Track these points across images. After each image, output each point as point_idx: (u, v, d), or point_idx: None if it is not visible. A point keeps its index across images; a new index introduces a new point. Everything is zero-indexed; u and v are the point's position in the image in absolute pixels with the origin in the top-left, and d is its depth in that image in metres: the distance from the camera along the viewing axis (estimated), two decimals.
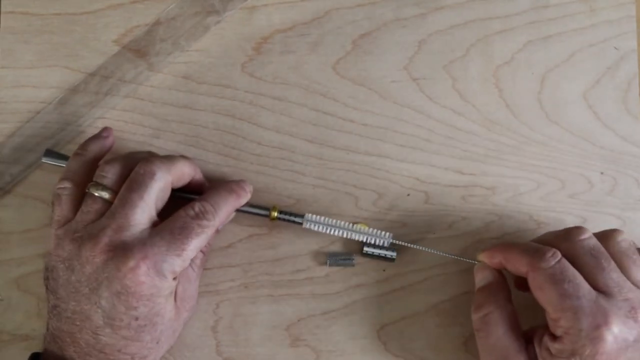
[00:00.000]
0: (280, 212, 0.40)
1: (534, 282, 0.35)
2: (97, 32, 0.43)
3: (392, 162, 0.43)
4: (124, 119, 0.43)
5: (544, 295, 0.34)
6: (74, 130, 0.42)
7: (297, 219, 0.40)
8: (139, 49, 0.43)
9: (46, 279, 0.36)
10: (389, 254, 0.41)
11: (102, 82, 0.43)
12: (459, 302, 0.41)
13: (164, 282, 0.34)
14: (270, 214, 0.40)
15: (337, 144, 0.43)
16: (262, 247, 0.42)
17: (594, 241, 0.35)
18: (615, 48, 0.44)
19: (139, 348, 0.35)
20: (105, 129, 0.41)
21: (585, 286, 0.33)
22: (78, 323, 0.34)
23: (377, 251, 0.41)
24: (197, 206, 0.36)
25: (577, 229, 0.36)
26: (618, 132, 0.43)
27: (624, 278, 0.34)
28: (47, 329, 0.36)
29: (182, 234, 0.35)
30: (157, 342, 0.36)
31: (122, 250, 0.34)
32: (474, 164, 0.43)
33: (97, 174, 0.37)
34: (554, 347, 0.34)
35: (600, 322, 0.32)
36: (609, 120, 0.43)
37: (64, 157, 0.40)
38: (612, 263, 0.34)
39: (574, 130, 0.43)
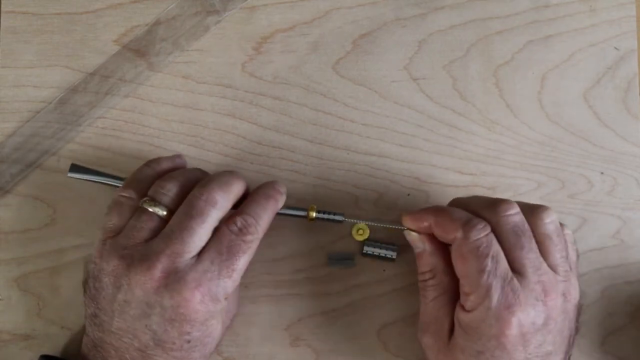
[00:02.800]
0: (319, 211, 0.40)
1: (458, 250, 0.34)
2: (97, 32, 0.43)
3: (392, 162, 0.43)
4: (124, 119, 0.43)
5: (463, 266, 0.34)
6: (74, 129, 0.42)
7: (337, 217, 0.40)
8: (139, 48, 0.43)
9: (86, 283, 0.36)
10: (389, 253, 0.41)
11: (102, 82, 0.43)
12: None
13: (217, 306, 0.34)
14: (308, 214, 0.39)
15: (338, 144, 0.43)
16: (262, 247, 0.41)
17: (520, 218, 0.35)
18: (616, 48, 0.44)
19: None
20: (178, 155, 0.41)
21: (504, 265, 0.33)
22: (125, 340, 0.34)
23: (377, 251, 0.41)
24: (239, 221, 0.35)
25: (505, 203, 0.35)
26: (618, 132, 0.43)
27: (541, 260, 0.34)
28: (87, 334, 0.36)
29: (230, 254, 0.34)
30: (205, 356, 0.36)
31: (176, 279, 0.33)
32: (474, 164, 0.43)
33: (155, 189, 0.36)
34: (463, 319, 0.34)
35: (510, 303, 0.32)
36: (609, 120, 0.43)
37: (90, 172, 0.40)
38: (533, 243, 0.34)
39: (574, 130, 0.43)
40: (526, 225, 0.35)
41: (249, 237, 0.35)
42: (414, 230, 0.38)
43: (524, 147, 0.43)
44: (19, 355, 0.41)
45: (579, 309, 0.36)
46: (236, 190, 0.36)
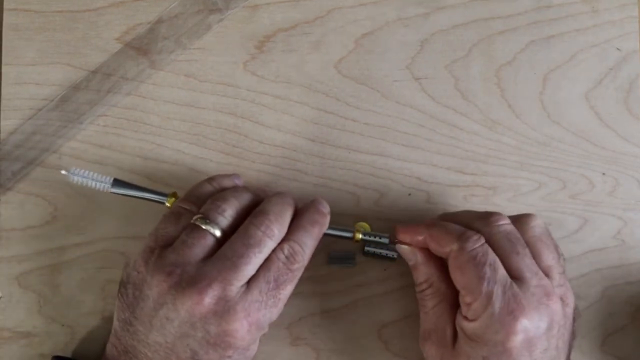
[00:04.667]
0: (365, 233, 0.39)
1: (455, 262, 0.35)
2: (100, 30, 0.43)
3: (393, 162, 0.43)
4: (125, 117, 0.43)
5: (463, 276, 0.34)
6: (76, 127, 0.42)
7: (383, 239, 0.39)
8: (141, 46, 0.43)
9: (123, 287, 0.35)
10: (390, 253, 0.41)
11: (104, 80, 0.43)
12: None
13: (262, 332, 0.34)
14: (354, 236, 0.39)
15: (339, 143, 0.43)
16: None
17: (511, 227, 0.35)
18: (618, 49, 0.44)
19: None
20: (237, 175, 0.40)
21: (502, 272, 0.34)
22: (161, 354, 0.33)
23: (378, 250, 0.41)
24: (287, 249, 0.35)
25: (495, 215, 0.36)
26: (620, 132, 0.43)
27: (537, 268, 0.34)
28: (117, 337, 0.35)
29: (277, 283, 0.34)
30: None
31: (226, 308, 0.32)
32: (475, 164, 0.43)
33: (210, 207, 0.35)
34: (467, 328, 0.34)
35: (513, 308, 0.33)
36: (611, 121, 0.43)
37: (132, 187, 0.39)
38: (527, 249, 0.35)
39: (576, 131, 0.43)
40: (517, 233, 0.35)
41: (295, 266, 0.35)
42: (406, 244, 0.38)
43: (525, 147, 0.43)
44: (20, 352, 0.41)
45: (576, 313, 0.36)
46: (289, 219, 0.36)
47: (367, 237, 0.39)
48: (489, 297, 0.33)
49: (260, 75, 0.43)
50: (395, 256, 0.41)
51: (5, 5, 0.43)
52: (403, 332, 0.41)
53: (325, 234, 0.38)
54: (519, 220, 0.36)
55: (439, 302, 0.37)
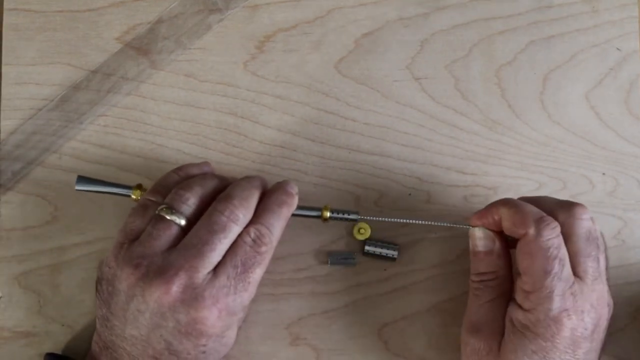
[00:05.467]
0: (333, 210, 0.39)
1: (526, 246, 0.34)
2: (100, 30, 0.43)
3: (393, 162, 0.43)
4: (125, 117, 0.43)
5: (531, 263, 0.33)
6: (76, 127, 0.42)
7: (352, 216, 0.39)
8: (142, 46, 0.43)
9: (100, 285, 0.35)
10: (390, 253, 0.41)
11: (104, 80, 0.43)
12: (459, 302, 0.41)
13: (234, 318, 0.34)
14: (322, 214, 0.39)
15: (339, 143, 0.43)
16: None
17: (591, 223, 0.35)
18: (618, 49, 0.44)
19: None
20: (206, 163, 0.41)
21: (568, 269, 0.33)
22: (139, 347, 0.34)
23: (378, 250, 0.41)
24: (253, 232, 0.35)
25: (580, 207, 0.35)
26: (620, 132, 0.43)
27: (602, 269, 0.34)
28: (98, 334, 0.35)
29: (245, 267, 0.34)
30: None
31: (194, 296, 0.32)
32: (475, 164, 0.43)
33: (174, 197, 0.35)
34: (519, 319, 0.34)
35: (568, 307, 0.32)
36: (611, 121, 0.43)
37: (98, 182, 0.39)
38: (601, 249, 0.35)
39: (576, 131, 0.43)
40: (597, 232, 0.35)
41: (263, 249, 0.35)
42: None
43: (525, 147, 0.43)
44: (20, 352, 0.41)
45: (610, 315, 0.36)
46: (255, 203, 0.36)
47: (335, 215, 0.39)
48: (551, 292, 0.32)
49: (260, 75, 0.43)
50: (396, 256, 0.41)
51: (5, 5, 0.43)
52: (403, 332, 0.41)
53: (294, 215, 0.38)
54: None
55: (498, 296, 0.36)
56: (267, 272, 0.41)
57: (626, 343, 0.42)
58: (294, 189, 0.37)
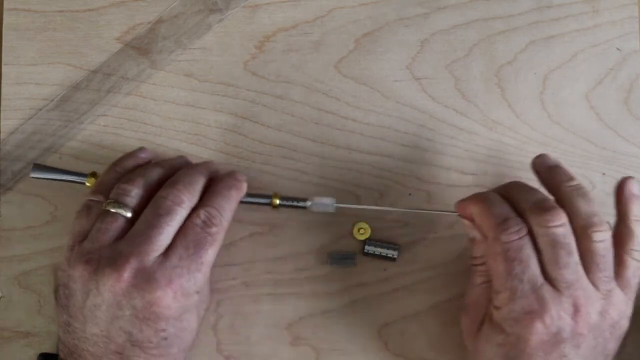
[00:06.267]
0: (282, 197, 0.39)
1: (490, 248, 0.34)
2: (100, 30, 0.43)
3: (394, 161, 0.43)
4: (125, 117, 0.43)
5: (495, 265, 0.34)
6: (76, 127, 0.42)
7: (301, 203, 0.39)
8: (142, 46, 0.43)
9: (57, 292, 0.35)
10: (390, 253, 0.41)
11: (105, 80, 0.43)
12: (459, 302, 0.41)
13: (190, 300, 0.34)
14: (272, 201, 0.39)
15: (339, 143, 0.43)
16: (263, 246, 0.42)
17: (563, 230, 0.33)
18: (618, 49, 0.44)
19: (166, 359, 0.35)
20: (141, 148, 0.41)
21: (533, 271, 0.33)
22: (101, 345, 0.34)
23: (378, 250, 0.41)
24: (203, 214, 0.35)
25: (553, 212, 0.33)
26: (620, 132, 0.43)
27: (579, 276, 0.33)
28: (61, 341, 0.36)
29: (196, 248, 0.34)
30: (184, 350, 0.36)
31: (146, 279, 0.33)
32: (475, 164, 0.43)
33: (117, 191, 0.36)
34: (494, 313, 0.34)
35: (534, 309, 0.32)
36: (611, 121, 0.43)
37: (53, 170, 0.40)
38: (573, 256, 0.33)
39: (576, 131, 0.43)
40: (568, 239, 0.33)
41: (213, 229, 0.35)
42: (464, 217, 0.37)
43: (525, 148, 0.43)
44: (20, 352, 0.41)
45: (620, 331, 0.35)
46: (200, 187, 0.37)
47: (285, 202, 0.39)
48: (513, 293, 0.33)
49: (260, 75, 0.43)
50: (396, 256, 0.41)
51: (5, 5, 0.43)
52: (403, 332, 0.41)
53: (245, 202, 0.38)
54: (585, 226, 0.33)
55: (486, 281, 0.36)
56: (267, 272, 0.42)
57: (627, 344, 0.42)
58: (242, 177, 0.38)
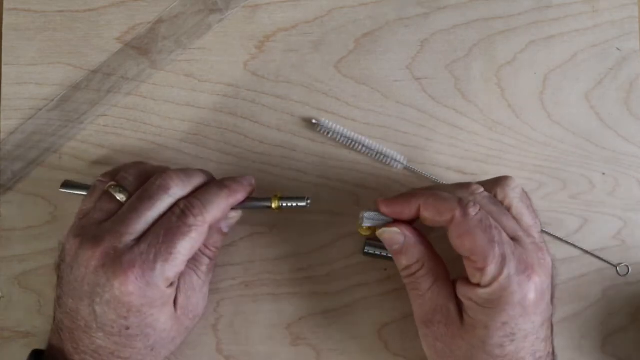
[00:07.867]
0: (281, 198, 0.38)
1: (459, 229, 0.33)
2: (100, 30, 0.43)
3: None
4: (125, 117, 0.43)
5: (472, 242, 0.33)
6: (76, 127, 0.42)
7: (300, 203, 0.38)
8: (142, 46, 0.43)
9: (57, 267, 0.36)
10: (390, 253, 0.41)
11: (105, 80, 0.43)
12: None
13: (155, 291, 0.33)
14: (271, 203, 0.38)
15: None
16: (263, 246, 0.42)
17: (488, 193, 0.36)
18: (618, 49, 0.44)
19: (132, 353, 0.35)
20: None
21: (505, 234, 0.34)
22: (76, 321, 0.34)
23: (378, 250, 0.41)
24: (183, 203, 0.35)
25: (473, 184, 0.36)
26: (620, 132, 0.43)
27: (519, 225, 0.35)
28: (53, 319, 0.36)
29: (168, 237, 0.33)
30: (152, 350, 0.36)
31: (112, 259, 0.33)
32: (475, 164, 0.43)
33: (121, 175, 0.36)
34: (481, 296, 0.33)
35: (525, 267, 0.33)
36: (611, 121, 0.43)
37: (83, 187, 0.39)
38: (508, 211, 0.36)
39: (576, 131, 0.43)
40: (496, 199, 0.36)
41: (190, 220, 0.34)
42: (394, 222, 0.36)
43: (525, 147, 0.43)
44: (20, 352, 0.41)
45: (554, 288, 0.36)
46: (195, 181, 0.36)
47: (284, 203, 0.38)
48: (504, 258, 0.33)
49: (260, 75, 0.43)
50: None
51: (5, 5, 0.43)
52: (403, 332, 0.41)
53: (245, 207, 0.37)
54: (499, 183, 0.36)
55: (435, 281, 0.36)
56: (268, 272, 0.42)
57: (626, 343, 0.42)
58: (247, 181, 0.37)
